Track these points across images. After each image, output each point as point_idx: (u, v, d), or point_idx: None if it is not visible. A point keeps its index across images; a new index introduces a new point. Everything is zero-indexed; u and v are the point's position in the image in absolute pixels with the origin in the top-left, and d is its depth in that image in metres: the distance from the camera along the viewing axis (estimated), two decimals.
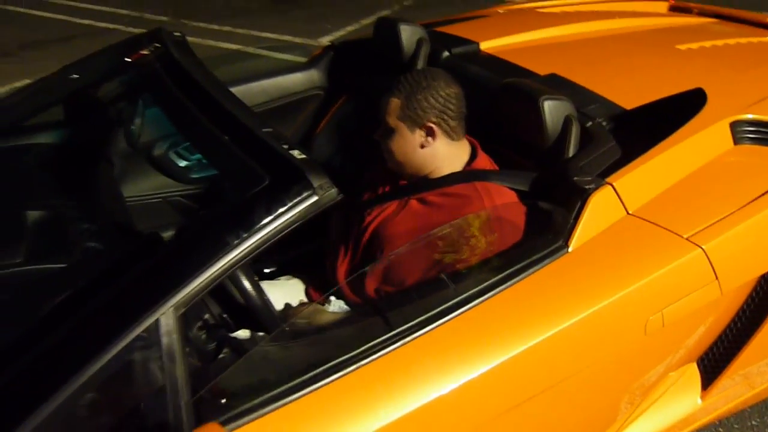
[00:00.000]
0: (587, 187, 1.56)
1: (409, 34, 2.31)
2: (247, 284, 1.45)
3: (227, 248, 1.16)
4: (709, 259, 1.55)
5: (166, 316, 1.12)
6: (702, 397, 1.85)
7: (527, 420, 1.46)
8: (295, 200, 1.20)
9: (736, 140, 1.83)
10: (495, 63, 2.25)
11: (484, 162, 1.73)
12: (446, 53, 2.31)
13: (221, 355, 1.44)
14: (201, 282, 1.15)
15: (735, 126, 1.83)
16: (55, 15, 6.97)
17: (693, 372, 1.86)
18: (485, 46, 2.38)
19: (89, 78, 2.18)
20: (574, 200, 1.56)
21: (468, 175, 1.70)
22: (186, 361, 1.14)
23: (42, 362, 1.14)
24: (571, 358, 1.45)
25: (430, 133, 1.65)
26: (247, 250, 1.17)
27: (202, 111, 1.49)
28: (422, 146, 1.67)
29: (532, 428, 1.51)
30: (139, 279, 1.19)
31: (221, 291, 1.50)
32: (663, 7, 2.96)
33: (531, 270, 1.46)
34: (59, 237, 1.75)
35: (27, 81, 4.39)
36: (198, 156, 2.54)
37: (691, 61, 2.26)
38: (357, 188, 1.88)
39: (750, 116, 1.85)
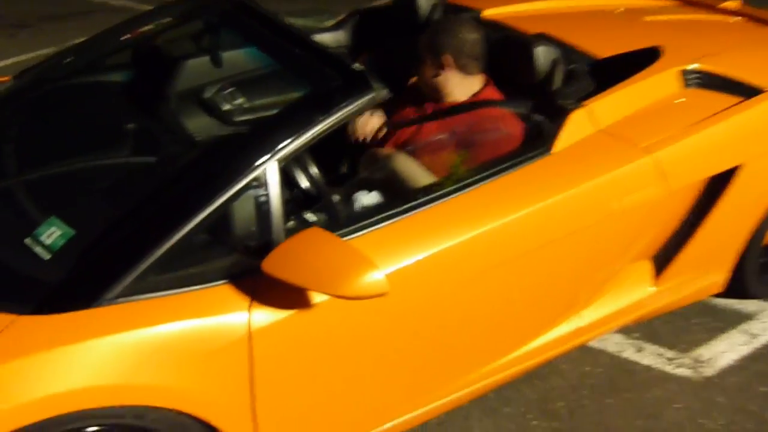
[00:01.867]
0: (568, 107, 2.07)
1: (425, 0, 2.80)
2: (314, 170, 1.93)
3: (315, 123, 1.64)
4: (658, 163, 2.07)
5: (271, 166, 1.59)
6: (653, 285, 2.37)
7: (511, 276, 1.96)
8: (362, 93, 1.69)
9: (685, 84, 2.35)
10: (494, 26, 2.75)
11: (491, 93, 2.23)
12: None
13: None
14: (295, 145, 1.62)
15: (684, 73, 2.35)
16: None
17: (647, 266, 2.38)
18: (487, 13, 2.88)
19: (155, 28, 2.65)
20: (557, 117, 2.06)
21: (473, 105, 2.20)
22: (283, 200, 1.61)
23: (180, 197, 1.61)
24: (547, 229, 1.96)
25: (444, 65, 2.15)
26: (329, 125, 1.65)
27: (284, 38, 1.98)
28: (436, 75, 2.17)
29: (513, 285, 2.00)
30: (248, 139, 1.67)
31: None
32: None
33: (523, 164, 1.97)
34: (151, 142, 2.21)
35: (47, 51, 4.81)
36: (240, 101, 2.99)
37: (655, 28, 2.79)
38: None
39: (695, 66, 2.37)
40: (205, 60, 2.69)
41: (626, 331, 2.59)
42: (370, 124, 2.33)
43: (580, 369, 2.46)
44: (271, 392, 1.63)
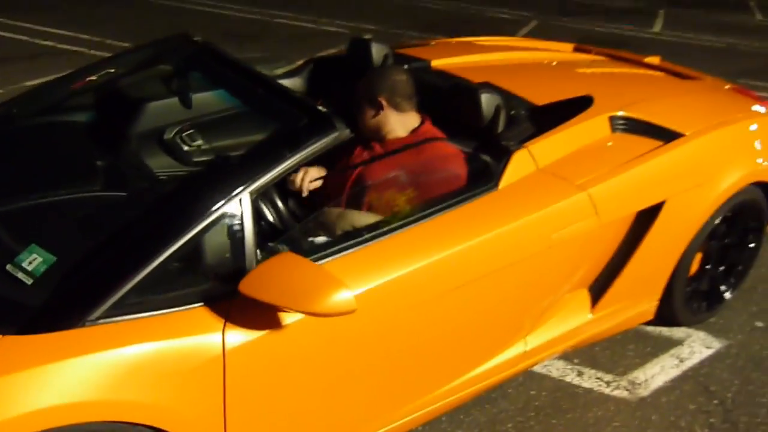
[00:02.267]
0: (511, 148, 2.29)
1: (377, 50, 3.02)
2: (279, 203, 2.07)
3: (284, 159, 1.79)
4: (591, 198, 2.29)
5: (245, 197, 1.72)
6: (591, 313, 2.58)
7: (462, 301, 2.11)
8: (327, 132, 1.85)
9: (613, 129, 2.61)
10: (442, 75, 2.98)
11: (431, 129, 2.43)
12: (405, 66, 3.02)
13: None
14: (265, 179, 1.76)
15: (612, 119, 2.61)
16: (20, 36, 7.37)
17: (584, 294, 2.59)
18: (435, 63, 3.11)
19: (120, 70, 2.77)
20: (502, 157, 2.27)
21: (424, 140, 2.40)
22: (257, 228, 1.74)
23: (157, 227, 1.71)
24: (497, 257, 2.14)
25: (380, 105, 2.35)
26: (296, 161, 1.80)
27: (251, 81, 2.14)
28: (375, 116, 2.37)
29: (464, 309, 2.15)
30: (221, 173, 1.80)
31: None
32: (569, 48, 3.81)
33: (473, 199, 2.16)
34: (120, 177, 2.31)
35: None
36: (199, 142, 3.12)
37: (586, 79, 3.08)
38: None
39: (621, 113, 2.64)
40: (170, 101, 2.82)
41: (567, 357, 2.78)
42: (309, 175, 2.47)
43: (527, 393, 2.62)
44: (243, 409, 1.72)
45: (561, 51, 3.68)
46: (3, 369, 1.44)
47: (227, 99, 2.56)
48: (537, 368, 2.68)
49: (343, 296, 1.56)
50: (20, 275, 1.65)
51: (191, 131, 3.10)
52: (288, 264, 1.62)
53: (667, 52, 4.59)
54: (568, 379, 2.71)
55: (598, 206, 2.31)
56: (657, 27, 9.57)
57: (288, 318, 1.71)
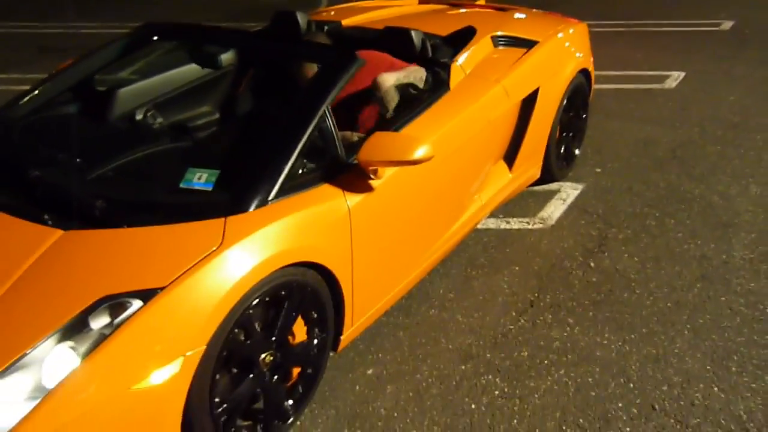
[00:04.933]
0: (448, 62, 3.27)
1: (302, 18, 3.78)
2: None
3: (338, 82, 2.56)
4: (504, 88, 3.36)
5: (328, 108, 2.48)
6: (510, 175, 3.67)
7: (456, 163, 3.06)
8: (356, 62, 2.64)
9: (495, 45, 3.70)
10: (357, 29, 3.86)
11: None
12: (326, 28, 3.84)
13: None
14: (330, 97, 2.52)
15: (493, 38, 3.71)
16: None
17: (503, 163, 3.68)
18: (345, 22, 3.97)
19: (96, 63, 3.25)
20: (444, 69, 3.24)
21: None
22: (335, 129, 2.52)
23: (286, 134, 2.39)
24: (463, 133, 3.10)
25: None
26: (343, 84, 2.58)
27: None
28: None
29: (458, 167, 3.10)
30: (308, 96, 2.54)
31: None
32: (414, 2, 4.86)
33: (438, 99, 3.10)
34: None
35: None
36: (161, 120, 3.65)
37: (457, 18, 4.16)
38: None
39: (499, 33, 3.75)
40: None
41: (495, 215, 3.86)
42: None
43: (481, 240, 3.66)
44: (362, 246, 2.50)
45: (421, 4, 4.71)
46: (238, 235, 2.08)
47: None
48: (479, 226, 3.72)
49: (426, 148, 2.41)
50: (197, 187, 2.26)
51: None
52: (384, 137, 2.44)
53: None
54: (503, 227, 3.80)
55: (509, 92, 3.39)
56: None
57: (386, 173, 2.53)
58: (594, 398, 2.57)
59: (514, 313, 3.07)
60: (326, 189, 2.41)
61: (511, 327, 2.98)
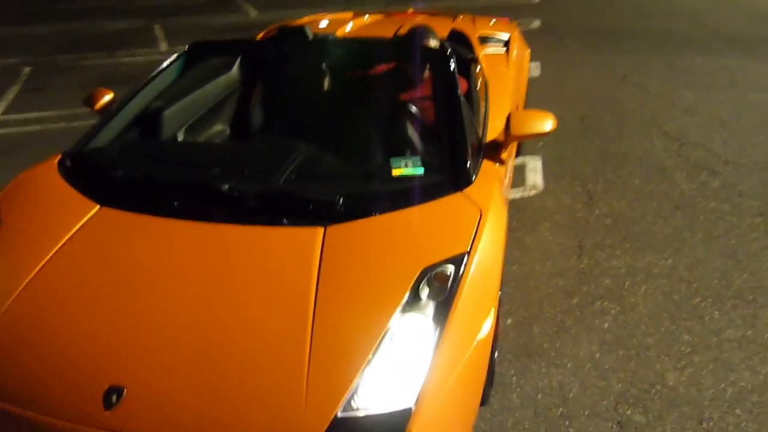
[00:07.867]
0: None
1: (309, 32, 4.02)
2: None
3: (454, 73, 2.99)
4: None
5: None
6: None
7: None
8: (450, 55, 3.09)
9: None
10: (348, 40, 4.21)
11: None
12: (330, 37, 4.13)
13: None
14: None
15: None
16: None
17: None
18: (339, 33, 4.29)
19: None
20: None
21: None
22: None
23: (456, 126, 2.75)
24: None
25: None
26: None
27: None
28: None
29: None
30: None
31: None
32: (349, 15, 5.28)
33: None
34: None
35: None
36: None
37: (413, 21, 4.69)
38: None
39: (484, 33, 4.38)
40: None
41: None
42: None
43: None
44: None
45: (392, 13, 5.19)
46: (484, 197, 2.44)
47: None
48: None
49: (553, 120, 2.94)
50: (408, 172, 2.52)
51: None
52: (523, 114, 2.92)
53: None
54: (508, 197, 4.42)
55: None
56: (163, 46, 9.29)
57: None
58: (678, 301, 3.32)
59: (575, 257, 3.72)
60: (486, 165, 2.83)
61: (582, 266, 3.62)
